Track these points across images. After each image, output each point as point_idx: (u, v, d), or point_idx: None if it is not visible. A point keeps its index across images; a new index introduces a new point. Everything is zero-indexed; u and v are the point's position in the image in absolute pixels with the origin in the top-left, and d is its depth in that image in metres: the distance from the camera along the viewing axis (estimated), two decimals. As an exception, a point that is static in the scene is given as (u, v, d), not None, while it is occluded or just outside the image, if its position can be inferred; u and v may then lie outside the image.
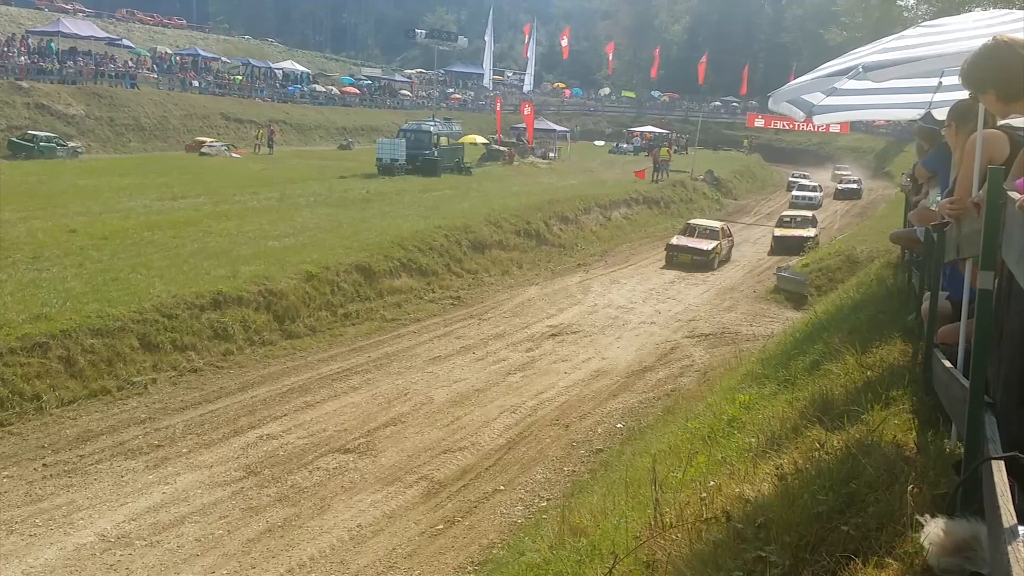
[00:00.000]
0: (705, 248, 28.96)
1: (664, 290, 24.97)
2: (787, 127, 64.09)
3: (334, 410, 13.53)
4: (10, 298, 13.83)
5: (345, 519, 10.13)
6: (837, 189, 53.14)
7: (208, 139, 47.79)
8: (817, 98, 5.45)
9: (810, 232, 32.32)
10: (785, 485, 3.93)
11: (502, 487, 11.23)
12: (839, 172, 59.33)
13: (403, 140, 40.99)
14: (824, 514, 3.37)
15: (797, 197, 47.23)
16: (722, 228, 31.40)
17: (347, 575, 9.06)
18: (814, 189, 49.16)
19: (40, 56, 50.92)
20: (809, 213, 36.53)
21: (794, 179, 55.68)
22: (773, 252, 31.99)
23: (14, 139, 38.71)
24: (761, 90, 70.83)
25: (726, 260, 30.44)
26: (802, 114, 5.89)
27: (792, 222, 34.62)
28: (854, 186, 53.88)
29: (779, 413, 6.10)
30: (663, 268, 28.35)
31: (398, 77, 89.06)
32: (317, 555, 9.28)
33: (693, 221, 32.41)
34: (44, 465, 10.79)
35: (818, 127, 51.86)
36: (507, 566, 7.67)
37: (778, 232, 33.61)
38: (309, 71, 77.81)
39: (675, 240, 29.94)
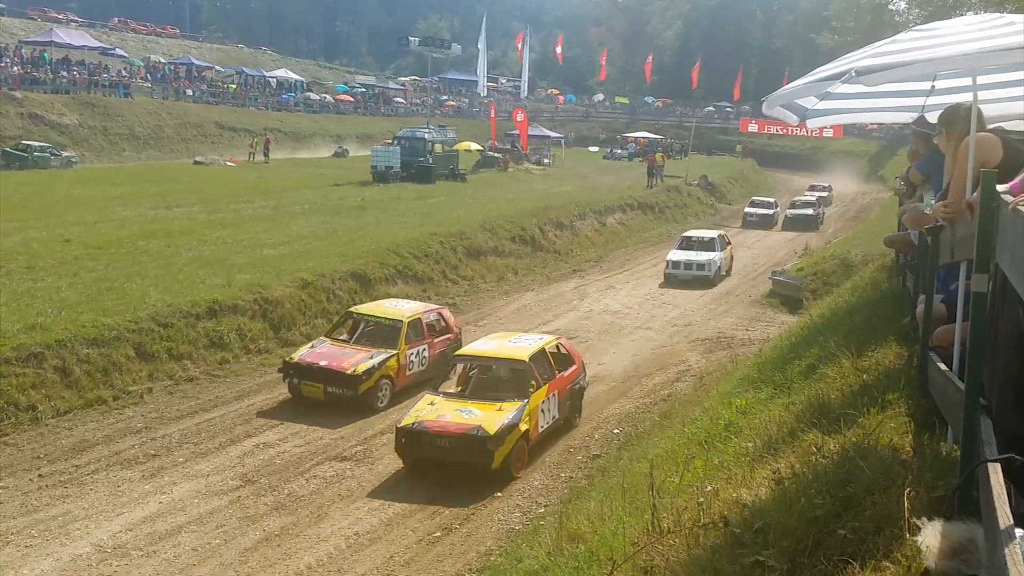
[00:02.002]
0: (350, 371, 13.55)
1: (660, 295, 24.95)
2: (780, 132, 63.64)
3: (330, 418, 13.51)
4: (5, 308, 13.80)
5: (342, 527, 10.11)
6: (786, 216, 39.79)
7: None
8: (811, 102, 5.45)
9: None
10: (782, 489, 3.94)
11: (499, 494, 11.22)
12: (809, 193, 45.62)
13: (398, 147, 41.02)
14: (821, 518, 3.38)
15: (676, 266, 26.31)
16: (411, 322, 14.86)
17: (345, 583, 9.04)
18: (710, 245, 27.42)
19: (33, 66, 50.99)
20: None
21: (751, 210, 40.71)
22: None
23: (8, 149, 38.76)
24: (754, 95, 71.16)
25: (434, 375, 14.19)
26: (796, 118, 5.89)
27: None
28: (809, 211, 39.36)
29: (776, 417, 6.11)
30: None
31: (392, 84, 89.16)
32: (315, 564, 9.26)
33: (356, 310, 15.84)
34: (40, 476, 10.77)
35: (811, 131, 51.93)
36: (505, 573, 7.66)
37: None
38: (303, 79, 77.90)
39: (301, 355, 14.09)
